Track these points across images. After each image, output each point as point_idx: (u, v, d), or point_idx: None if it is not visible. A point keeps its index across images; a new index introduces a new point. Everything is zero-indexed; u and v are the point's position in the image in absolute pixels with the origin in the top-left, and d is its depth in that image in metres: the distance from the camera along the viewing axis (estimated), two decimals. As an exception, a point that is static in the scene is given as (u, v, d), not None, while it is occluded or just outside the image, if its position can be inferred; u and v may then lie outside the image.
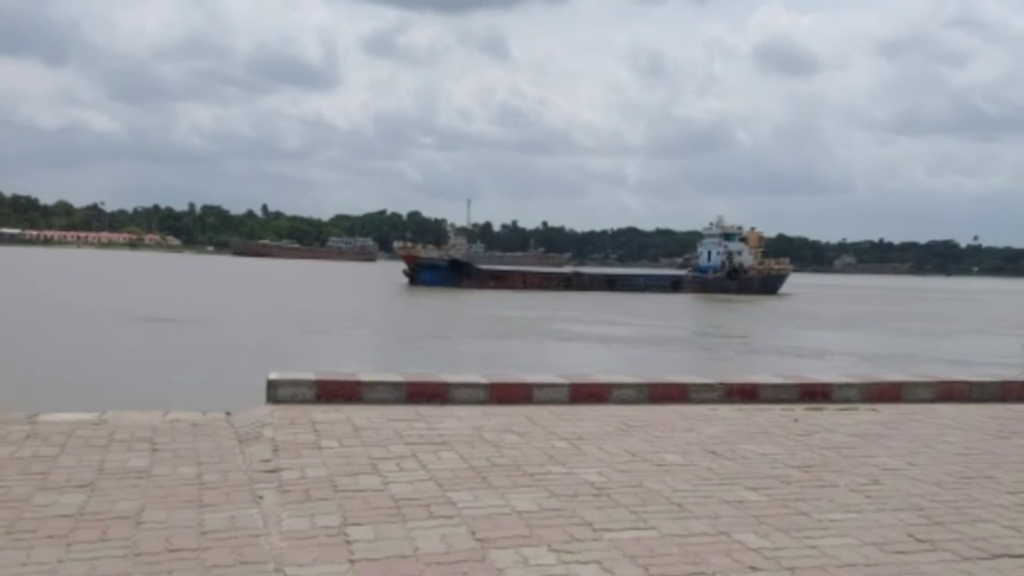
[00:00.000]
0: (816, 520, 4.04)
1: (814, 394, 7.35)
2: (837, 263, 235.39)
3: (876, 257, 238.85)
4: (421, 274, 65.47)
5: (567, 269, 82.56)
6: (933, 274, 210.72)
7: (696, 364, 21.90)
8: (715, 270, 73.50)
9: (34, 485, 4.16)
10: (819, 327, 36.93)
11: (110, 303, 33.46)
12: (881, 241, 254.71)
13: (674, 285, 72.18)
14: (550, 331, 30.16)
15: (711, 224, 78.26)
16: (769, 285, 73.09)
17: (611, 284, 70.77)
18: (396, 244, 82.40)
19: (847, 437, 5.99)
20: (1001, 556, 3.65)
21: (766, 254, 77.41)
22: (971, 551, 3.69)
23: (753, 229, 78.23)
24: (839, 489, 4.61)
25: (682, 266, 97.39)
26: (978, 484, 4.84)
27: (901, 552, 3.64)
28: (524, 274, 73.58)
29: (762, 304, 55.48)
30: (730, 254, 73.78)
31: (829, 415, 6.80)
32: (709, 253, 76.79)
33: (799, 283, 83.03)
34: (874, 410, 7.08)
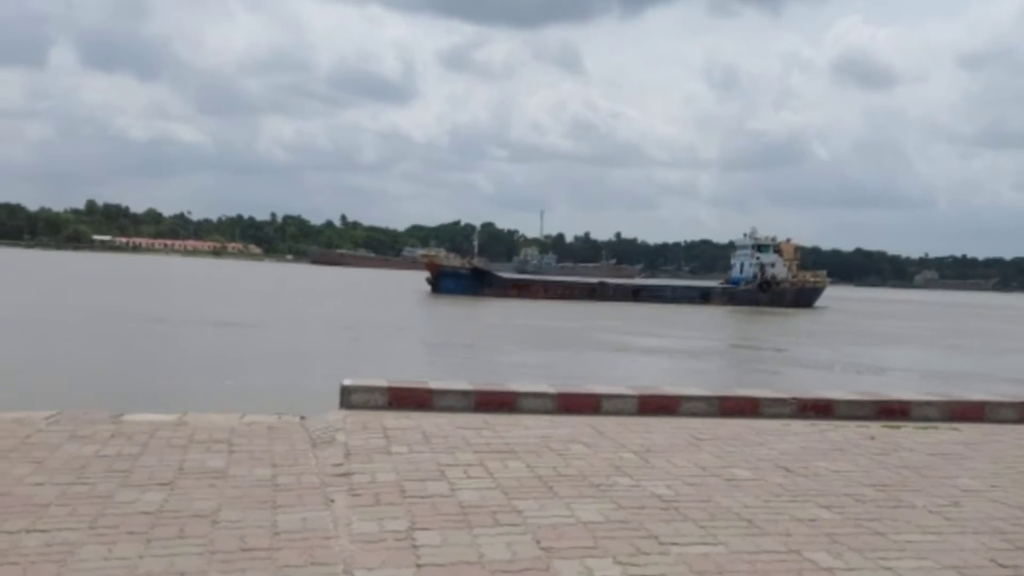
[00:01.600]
0: (892, 541, 3.92)
1: (892, 411, 7.11)
2: (918, 278, 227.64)
3: (959, 273, 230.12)
4: (443, 282, 64.40)
5: (592, 279, 79.56)
6: (1018, 291, 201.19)
7: (733, 376, 21.45)
8: (747, 282, 71.20)
9: (117, 482, 4.33)
10: (852, 343, 35.12)
11: (185, 308, 34.68)
12: (964, 257, 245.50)
13: (703, 297, 69.82)
14: (590, 341, 29.71)
15: (744, 235, 75.89)
16: (803, 298, 70.43)
17: (635, 295, 68.64)
18: (419, 252, 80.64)
19: (926, 456, 5.78)
20: (1090, 585, 3.48)
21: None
22: (1057, 579, 3.53)
23: (789, 240, 75.52)
24: (917, 510, 4.45)
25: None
26: (1067, 509, 4.61)
27: (982, 577, 3.51)
28: (546, 284, 72.03)
29: (794, 317, 53.44)
30: (763, 266, 71.28)
31: (907, 433, 6.57)
32: (742, 265, 74.55)
33: (846, 296, 79.58)
34: (955, 429, 6.81)
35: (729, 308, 63.46)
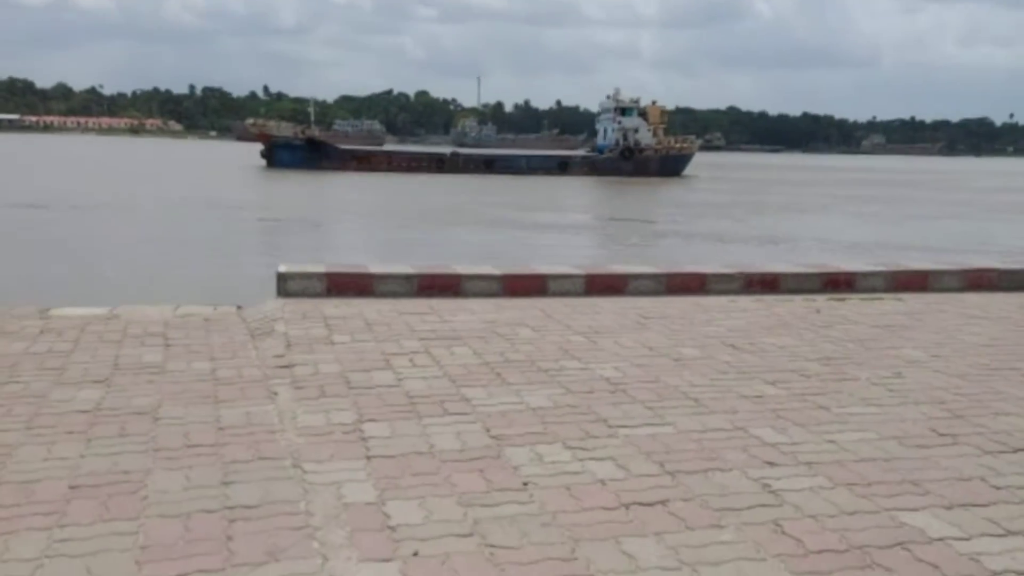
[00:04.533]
0: (835, 414, 3.99)
1: (838, 283, 7.20)
2: (865, 143, 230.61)
3: (906, 137, 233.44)
4: (278, 155, 59.99)
5: (443, 149, 73.58)
6: (965, 154, 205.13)
7: (614, 252, 21.33)
8: (610, 149, 65.56)
9: (50, 380, 4.17)
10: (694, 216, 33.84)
11: (61, 191, 32.86)
12: (912, 119, 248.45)
13: (561, 167, 64.48)
14: (467, 218, 28.90)
15: (607, 97, 68.86)
16: (669, 166, 64.91)
17: (489, 166, 63.55)
18: (248, 121, 74.73)
19: (870, 328, 5.89)
20: (1023, 450, 3.60)
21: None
22: (993, 445, 3.64)
23: (655, 103, 68.94)
24: (860, 383, 4.54)
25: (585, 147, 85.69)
26: (1003, 376, 4.75)
27: (921, 446, 3.60)
28: (390, 155, 66.02)
29: (658, 188, 50.65)
30: (625, 132, 65.27)
31: (853, 305, 6.68)
32: (605, 131, 68.14)
33: (747, 163, 76.44)
34: (899, 300, 6.95)
35: (591, 179, 59.97)
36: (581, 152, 72.98)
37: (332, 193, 40.09)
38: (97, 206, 28.80)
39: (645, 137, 65.96)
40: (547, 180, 56.38)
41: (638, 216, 32.71)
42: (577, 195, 45.05)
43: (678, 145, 67.93)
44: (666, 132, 68.89)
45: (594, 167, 64.33)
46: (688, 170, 67.73)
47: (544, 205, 36.27)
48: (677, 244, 23.48)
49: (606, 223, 30.62)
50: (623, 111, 66.65)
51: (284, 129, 65.19)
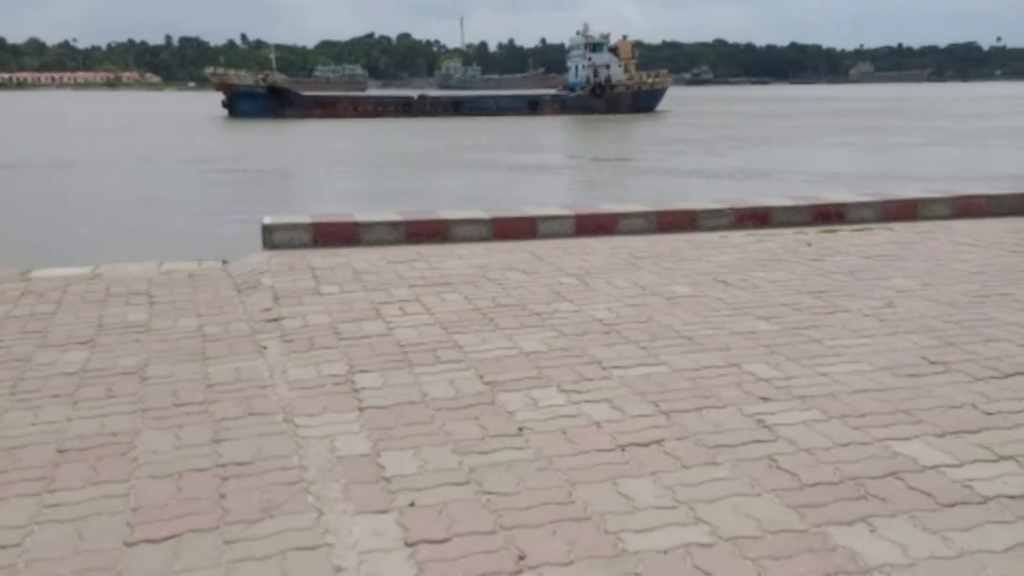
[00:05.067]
0: (828, 347, 3.98)
1: (828, 215, 7.16)
2: (853, 72, 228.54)
3: (894, 64, 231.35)
4: (239, 104, 59.15)
5: (410, 92, 73.58)
6: (953, 80, 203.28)
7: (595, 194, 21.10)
8: (581, 87, 65.19)
9: (34, 344, 4.11)
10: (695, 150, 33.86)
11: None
12: (900, 46, 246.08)
13: (531, 106, 64.03)
14: (441, 163, 28.66)
15: (577, 33, 68.29)
16: (642, 102, 64.56)
17: (457, 108, 63.47)
18: (208, 70, 72.68)
19: (861, 259, 5.86)
20: (1014, 375, 3.60)
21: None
22: (984, 371, 3.64)
23: (625, 38, 68.79)
24: (852, 314, 4.53)
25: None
26: (994, 302, 4.74)
27: (914, 375, 3.59)
28: (355, 100, 65.85)
29: (632, 125, 50.16)
30: (596, 68, 64.94)
31: (843, 237, 6.64)
32: (576, 68, 67.44)
33: (727, 96, 75.20)
34: (889, 229, 6.92)
35: (562, 117, 59.27)
36: (551, 91, 71.64)
37: (300, 141, 39.62)
38: (64, 164, 28.44)
39: (616, 73, 65.24)
40: (517, 120, 55.59)
41: (615, 155, 32.59)
42: (550, 134, 44.61)
43: (650, 80, 67.24)
44: (638, 67, 68.14)
45: (565, 106, 63.61)
46: (663, 105, 67.01)
47: (517, 146, 35.97)
48: (657, 181, 23.44)
49: (586, 163, 30.43)
50: (593, 47, 65.84)
51: (245, 77, 63.70)
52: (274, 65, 74.78)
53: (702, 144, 36.59)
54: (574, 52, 68.92)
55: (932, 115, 59.92)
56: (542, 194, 20.41)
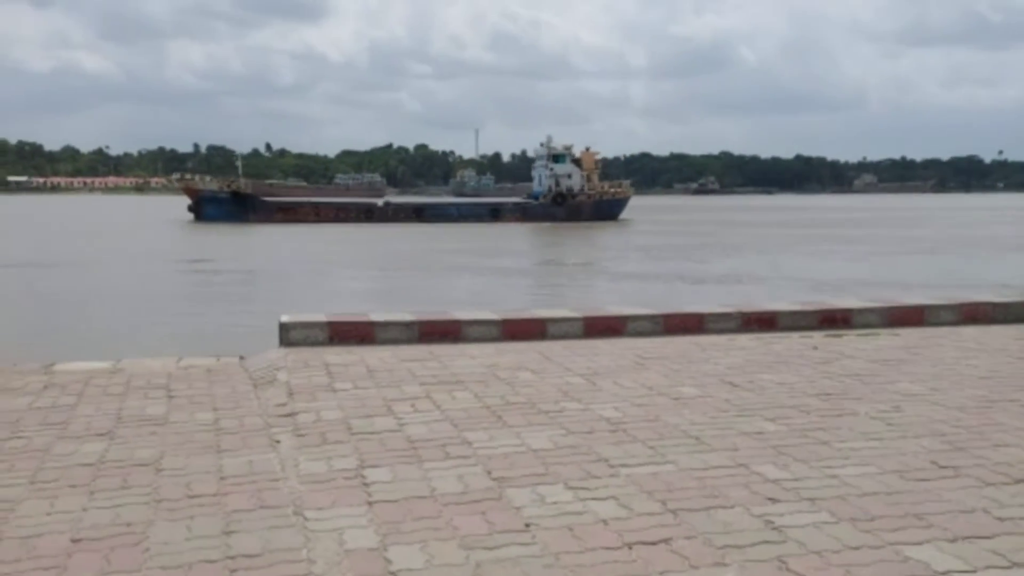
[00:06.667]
0: (836, 449, 4.00)
1: (834, 320, 7.24)
2: (857, 183, 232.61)
3: (897, 176, 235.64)
4: (205, 208, 60.51)
5: (375, 200, 73.97)
6: (956, 191, 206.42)
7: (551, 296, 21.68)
8: (544, 196, 66.89)
9: (54, 435, 4.18)
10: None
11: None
12: (903, 159, 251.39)
13: (493, 213, 65.57)
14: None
15: (541, 144, 70.25)
16: (603, 211, 66.05)
17: (419, 214, 64.50)
18: (174, 176, 75.30)
19: (868, 363, 5.91)
20: (1024, 481, 3.60)
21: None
22: (994, 476, 3.64)
23: (588, 149, 70.33)
24: (860, 417, 4.55)
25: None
26: (1002, 408, 4.76)
27: (923, 479, 3.59)
28: (317, 206, 66.32)
29: (595, 233, 50.78)
30: (557, 178, 66.74)
31: (849, 341, 6.71)
32: (540, 177, 69.25)
33: (697, 205, 75.94)
34: (896, 335, 6.98)
35: (525, 224, 59.99)
36: (513, 199, 73.53)
37: (271, 246, 40.16)
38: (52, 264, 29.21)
39: (577, 183, 66.98)
40: (480, 227, 56.39)
41: (574, 259, 33.41)
42: (512, 241, 45.50)
43: (612, 190, 69.23)
44: (601, 178, 69.98)
45: (526, 213, 65.07)
46: (626, 214, 68.32)
47: (484, 251, 36.81)
48: (630, 285, 23.95)
49: (539, 265, 31.21)
50: (555, 158, 67.70)
51: (210, 183, 65.26)
52: (240, 172, 76.63)
53: (654, 251, 37.67)
54: (538, 162, 70.57)
55: (914, 224, 60.90)
56: (505, 295, 21.03)
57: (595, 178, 68.76)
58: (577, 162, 68.02)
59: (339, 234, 47.34)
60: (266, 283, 24.73)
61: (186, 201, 65.23)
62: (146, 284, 23.92)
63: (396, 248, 38.25)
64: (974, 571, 2.74)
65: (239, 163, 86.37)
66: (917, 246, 39.85)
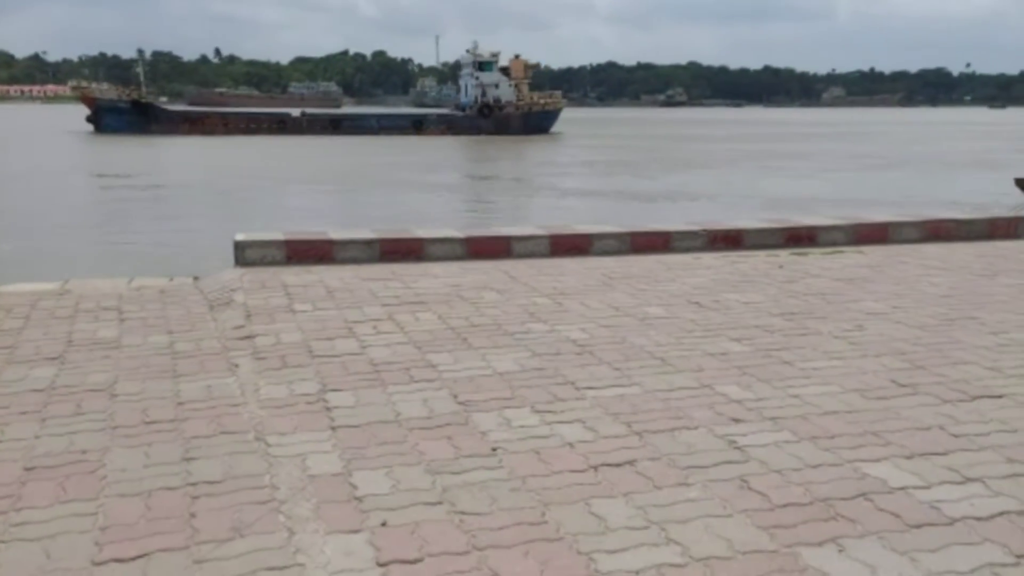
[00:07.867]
0: (799, 369, 4.03)
1: (800, 238, 7.26)
2: (825, 96, 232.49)
3: (866, 88, 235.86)
4: (104, 119, 57.45)
5: (288, 110, 70.26)
6: (923, 105, 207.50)
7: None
8: (469, 107, 63.06)
9: (2, 360, 4.05)
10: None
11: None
12: (872, 71, 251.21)
13: (415, 125, 62.15)
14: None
15: (467, 51, 65.61)
16: (533, 123, 62.24)
17: (336, 126, 61.40)
18: (70, 83, 70.30)
19: (832, 282, 5.95)
20: (980, 397, 3.66)
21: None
22: (952, 394, 3.70)
23: (518, 57, 65.33)
24: (822, 336, 4.58)
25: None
26: (961, 326, 4.83)
27: (882, 398, 3.64)
28: (225, 116, 62.75)
29: (521, 147, 48.75)
30: (484, 87, 62.47)
31: (815, 259, 6.74)
32: (466, 87, 65.03)
33: (657, 118, 73.61)
34: (860, 252, 7.02)
35: (448, 138, 57.51)
36: (437, 110, 70.31)
37: (187, 160, 38.66)
38: None
39: (506, 93, 63.07)
40: (400, 140, 54.33)
41: (504, 174, 32.99)
42: (437, 154, 44.13)
43: (542, 101, 65.23)
44: (531, 87, 65.97)
45: (451, 125, 62.00)
46: (557, 127, 65.43)
47: (417, 166, 36.04)
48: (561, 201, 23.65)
49: (478, 180, 30.80)
50: (480, 66, 63.55)
51: (108, 91, 61.80)
52: (142, 79, 72.62)
53: (587, 166, 37.34)
54: (464, 71, 66.47)
55: (866, 140, 61.11)
56: (431, 210, 20.85)
57: (525, 88, 64.07)
58: (505, 71, 63.63)
59: (256, 147, 45.22)
60: (199, 199, 23.78)
61: (84, 111, 61.76)
62: (71, 201, 22.98)
63: (323, 163, 36.90)
64: (929, 486, 2.79)
65: (139, 69, 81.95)
66: (864, 163, 40.06)
